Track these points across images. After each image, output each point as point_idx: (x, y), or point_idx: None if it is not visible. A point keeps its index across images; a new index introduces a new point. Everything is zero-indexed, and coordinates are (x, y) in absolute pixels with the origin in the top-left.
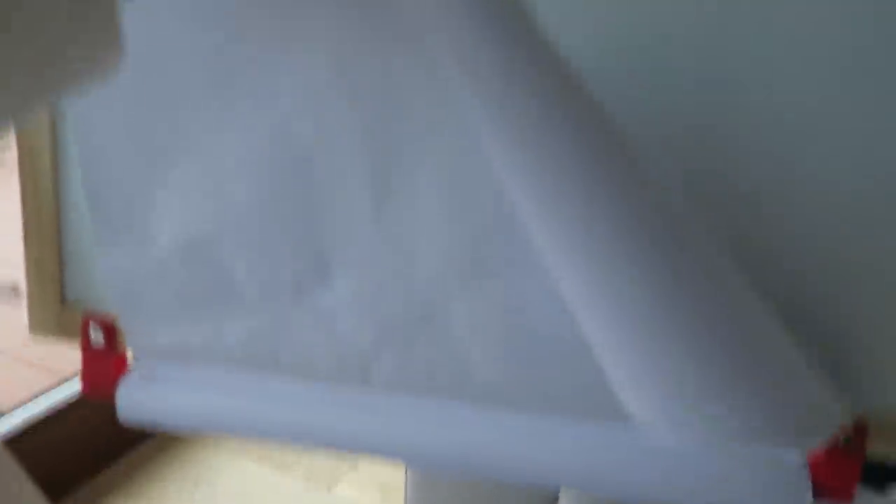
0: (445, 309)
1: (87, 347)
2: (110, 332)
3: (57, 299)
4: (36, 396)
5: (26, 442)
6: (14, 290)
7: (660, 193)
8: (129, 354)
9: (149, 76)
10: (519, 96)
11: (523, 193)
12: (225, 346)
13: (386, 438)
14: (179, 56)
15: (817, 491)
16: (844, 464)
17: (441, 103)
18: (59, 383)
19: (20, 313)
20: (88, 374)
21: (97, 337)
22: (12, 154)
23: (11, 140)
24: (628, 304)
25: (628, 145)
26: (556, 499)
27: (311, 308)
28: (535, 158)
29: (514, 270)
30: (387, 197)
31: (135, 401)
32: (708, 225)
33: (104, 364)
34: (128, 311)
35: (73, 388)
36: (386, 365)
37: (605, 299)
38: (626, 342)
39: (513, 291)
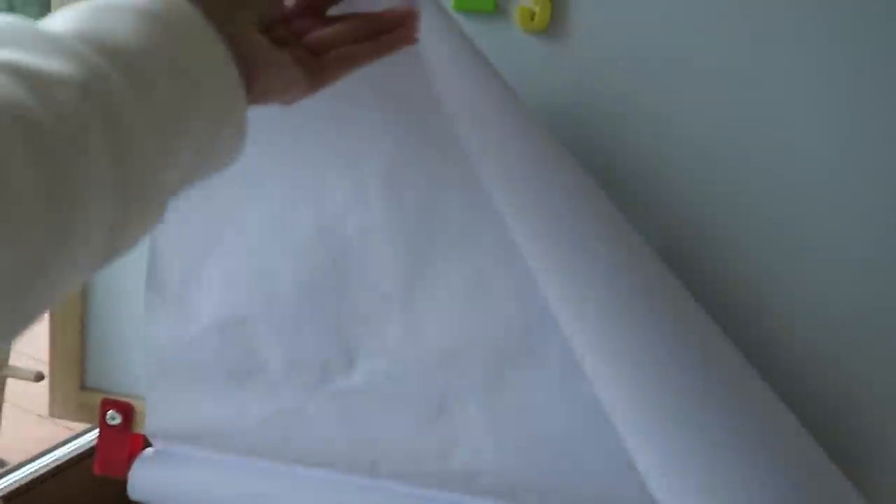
0: (461, 402)
1: (104, 427)
2: (127, 413)
3: (77, 385)
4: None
5: (32, 495)
6: (38, 376)
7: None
8: (144, 436)
9: None
10: (549, 204)
11: (560, 296)
12: (241, 429)
13: None
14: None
15: None
16: None
17: (476, 217)
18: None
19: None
20: (103, 452)
21: (114, 418)
22: None
23: None
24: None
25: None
26: None
27: (332, 391)
28: (572, 259)
29: (531, 372)
30: (415, 293)
31: (146, 480)
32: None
33: (119, 444)
34: (157, 382)
35: (80, 442)
36: (397, 453)
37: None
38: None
39: (528, 391)
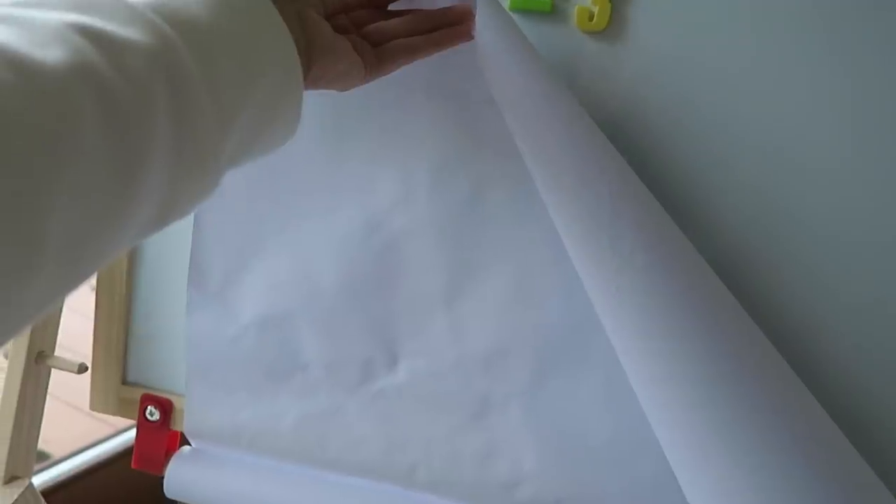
0: (503, 404)
1: (142, 423)
2: (166, 410)
3: (118, 380)
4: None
5: (75, 488)
6: (81, 368)
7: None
8: (182, 434)
9: (264, 162)
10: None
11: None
12: (278, 430)
13: None
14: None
15: None
16: None
17: (523, 216)
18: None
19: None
20: (141, 448)
21: (153, 414)
22: None
23: None
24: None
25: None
26: None
27: (373, 392)
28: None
29: (575, 375)
30: (459, 292)
31: (181, 479)
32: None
33: (157, 440)
34: (196, 380)
35: (123, 438)
36: (436, 458)
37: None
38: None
39: (572, 395)
